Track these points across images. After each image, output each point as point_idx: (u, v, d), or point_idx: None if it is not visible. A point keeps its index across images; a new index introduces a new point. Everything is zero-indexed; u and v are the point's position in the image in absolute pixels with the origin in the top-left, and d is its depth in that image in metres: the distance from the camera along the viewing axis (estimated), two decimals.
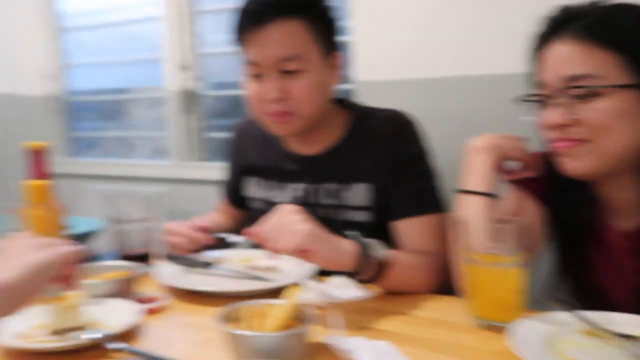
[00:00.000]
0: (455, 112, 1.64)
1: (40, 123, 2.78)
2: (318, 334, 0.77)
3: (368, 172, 1.15)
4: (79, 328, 0.82)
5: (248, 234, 0.93)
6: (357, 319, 0.87)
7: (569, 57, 0.83)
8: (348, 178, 1.17)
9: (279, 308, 0.75)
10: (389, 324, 0.86)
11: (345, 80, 1.28)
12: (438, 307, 0.94)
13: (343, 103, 1.24)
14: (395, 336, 0.80)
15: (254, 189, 1.30)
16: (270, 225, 0.88)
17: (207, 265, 1.11)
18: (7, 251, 0.68)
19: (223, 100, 2.39)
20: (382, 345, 0.74)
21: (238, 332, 0.72)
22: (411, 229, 1.11)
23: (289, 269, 1.12)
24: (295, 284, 0.78)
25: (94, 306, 0.89)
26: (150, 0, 2.36)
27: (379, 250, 0.92)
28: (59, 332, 0.81)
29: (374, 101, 1.30)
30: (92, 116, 2.80)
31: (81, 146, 2.82)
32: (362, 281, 0.93)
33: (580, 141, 0.83)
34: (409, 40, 1.70)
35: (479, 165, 0.97)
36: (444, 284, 1.05)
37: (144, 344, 0.78)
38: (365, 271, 0.91)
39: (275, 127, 1.15)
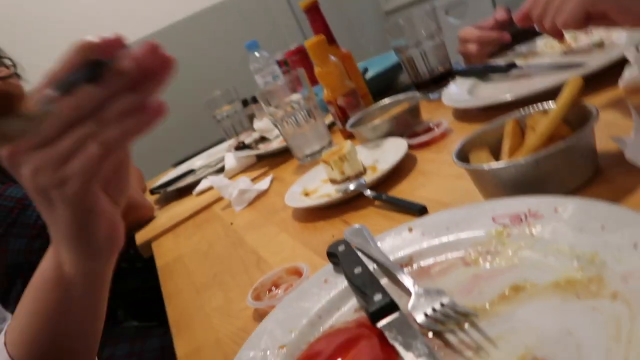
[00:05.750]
0: None
1: None
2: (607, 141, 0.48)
3: None
4: (359, 174, 0.79)
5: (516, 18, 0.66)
6: None
7: None
8: None
9: (547, 116, 0.50)
10: None
11: None
12: None
13: None
14: None
15: None
16: None
17: (506, 68, 0.86)
18: None
19: None
20: None
21: (474, 166, 0.52)
22: None
23: (621, 39, 0.75)
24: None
25: (371, 149, 0.83)
26: None
27: None
28: (339, 182, 0.80)
29: None
30: None
31: None
32: None
33: None
34: None
35: None
36: None
37: (397, 191, 0.68)
38: None
39: None
